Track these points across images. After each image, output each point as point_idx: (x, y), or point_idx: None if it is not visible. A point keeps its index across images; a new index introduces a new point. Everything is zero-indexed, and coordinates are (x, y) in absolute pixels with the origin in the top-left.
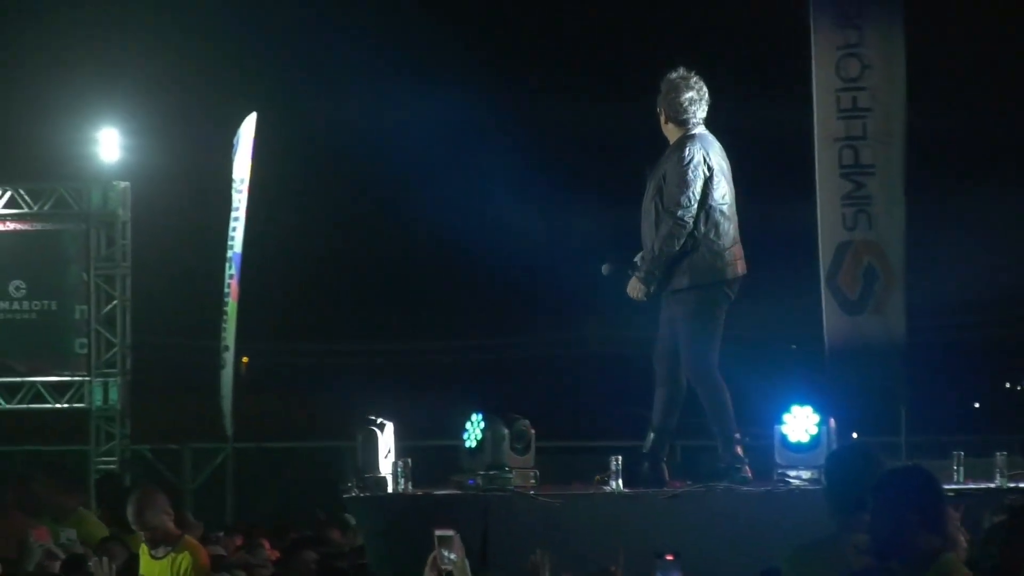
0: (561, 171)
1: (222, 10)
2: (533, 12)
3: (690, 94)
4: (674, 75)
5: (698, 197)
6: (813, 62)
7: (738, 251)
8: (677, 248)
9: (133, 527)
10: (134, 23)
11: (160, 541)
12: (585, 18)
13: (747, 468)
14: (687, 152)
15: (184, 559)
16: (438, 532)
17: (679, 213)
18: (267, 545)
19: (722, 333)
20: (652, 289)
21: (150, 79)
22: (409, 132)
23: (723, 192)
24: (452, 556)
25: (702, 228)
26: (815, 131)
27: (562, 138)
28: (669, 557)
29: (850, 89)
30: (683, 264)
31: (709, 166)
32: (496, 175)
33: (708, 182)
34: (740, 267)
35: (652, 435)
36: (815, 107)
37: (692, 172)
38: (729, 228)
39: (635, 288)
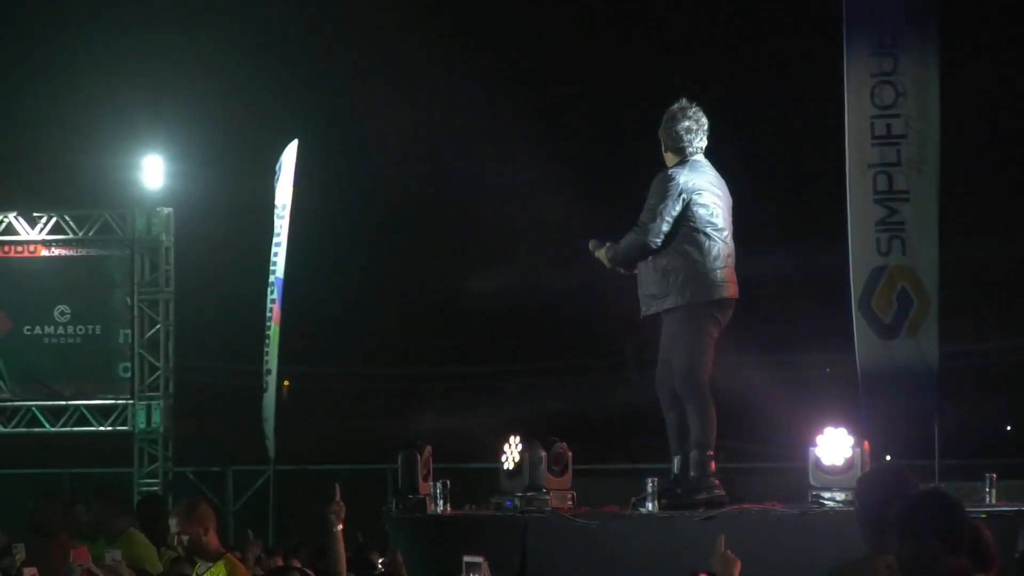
0: (600, 192)
1: (265, 41)
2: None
3: (687, 123)
4: (675, 106)
5: (669, 217)
6: (846, 89)
7: (729, 274)
8: (633, 256)
9: (172, 534)
10: (178, 53)
11: (199, 555)
12: (621, 39)
13: (720, 486)
14: (670, 173)
15: (219, 572)
16: (467, 559)
17: (643, 225)
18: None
19: (713, 353)
20: (610, 266)
21: (193, 107)
22: (448, 157)
23: (710, 214)
24: None
25: (685, 248)
26: (848, 157)
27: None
28: None
29: (884, 116)
30: (672, 283)
31: (691, 189)
32: (537, 196)
33: (689, 205)
34: (730, 290)
35: (677, 458)
36: (848, 134)
37: (669, 191)
38: (717, 250)
39: (601, 255)
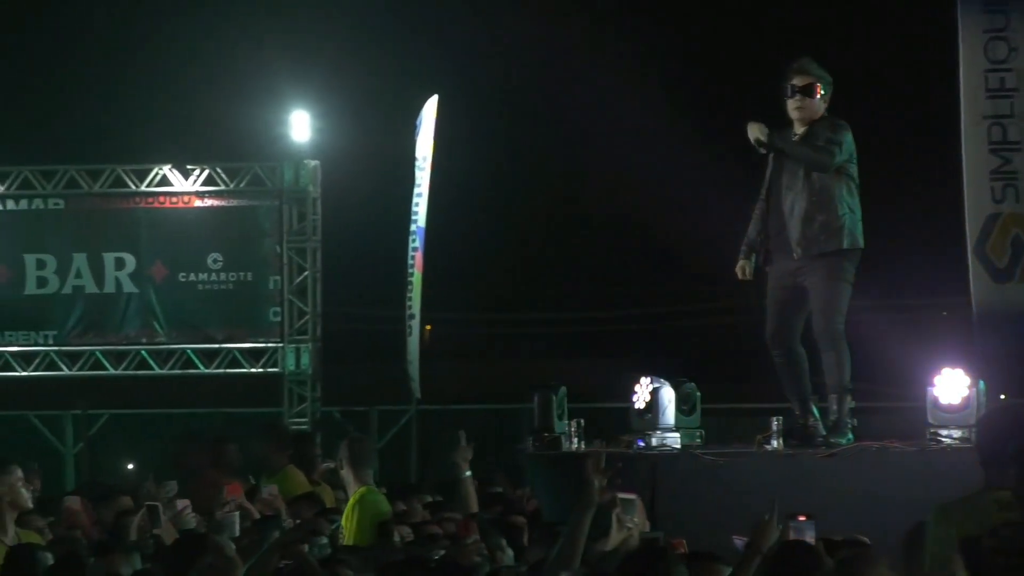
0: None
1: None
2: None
3: None
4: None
5: (840, 160)
6: (960, 44)
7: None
8: (803, 163)
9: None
10: (323, 12)
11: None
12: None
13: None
14: (846, 124)
15: (352, 499)
16: (621, 495)
17: (828, 149)
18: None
19: None
20: (764, 147)
21: (338, 65)
22: (584, 108)
23: (857, 170)
24: (635, 519)
25: (847, 198)
26: (962, 109)
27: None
28: (802, 518)
29: (998, 70)
30: (834, 229)
31: (853, 146)
32: (670, 146)
33: (851, 160)
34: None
35: (796, 402)
36: (962, 87)
37: (846, 139)
38: (860, 204)
39: (762, 132)
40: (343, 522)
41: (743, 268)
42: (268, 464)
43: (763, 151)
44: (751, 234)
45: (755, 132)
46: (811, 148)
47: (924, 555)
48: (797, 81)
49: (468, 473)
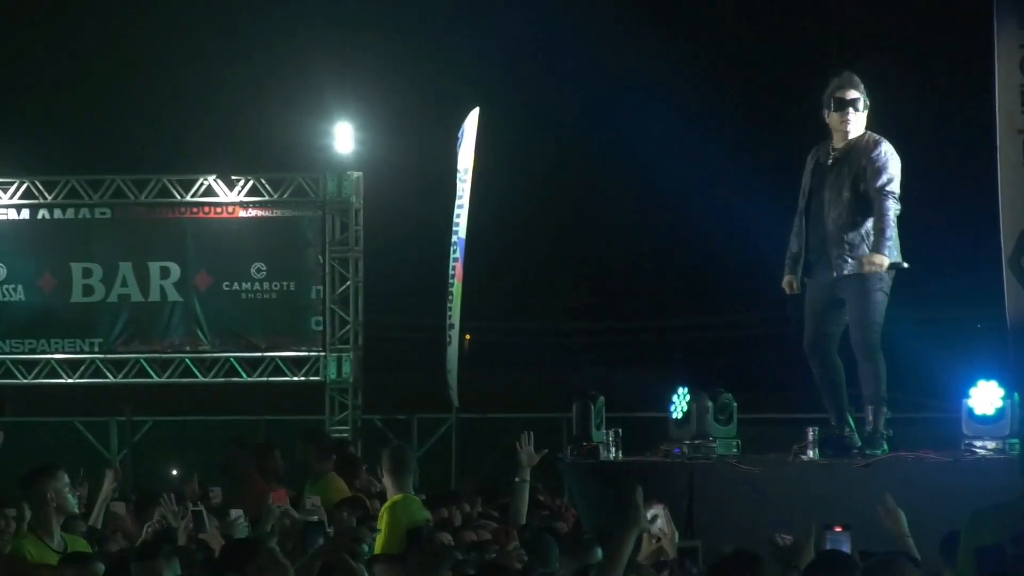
0: (770, 152)
1: (448, 14)
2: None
3: None
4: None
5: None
6: (996, 59)
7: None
8: (894, 223)
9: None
10: (367, 27)
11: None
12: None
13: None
14: (890, 145)
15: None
16: (650, 511)
17: (894, 193)
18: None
19: None
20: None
21: (381, 78)
22: (626, 120)
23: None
24: (663, 529)
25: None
26: (998, 123)
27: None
28: (838, 529)
29: None
30: (879, 244)
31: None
32: (707, 158)
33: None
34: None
35: (833, 412)
36: (998, 101)
37: (897, 161)
38: (898, 219)
39: (880, 261)
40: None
41: (790, 283)
42: (310, 471)
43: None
44: (793, 247)
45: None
46: (892, 217)
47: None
48: (843, 95)
49: (526, 479)
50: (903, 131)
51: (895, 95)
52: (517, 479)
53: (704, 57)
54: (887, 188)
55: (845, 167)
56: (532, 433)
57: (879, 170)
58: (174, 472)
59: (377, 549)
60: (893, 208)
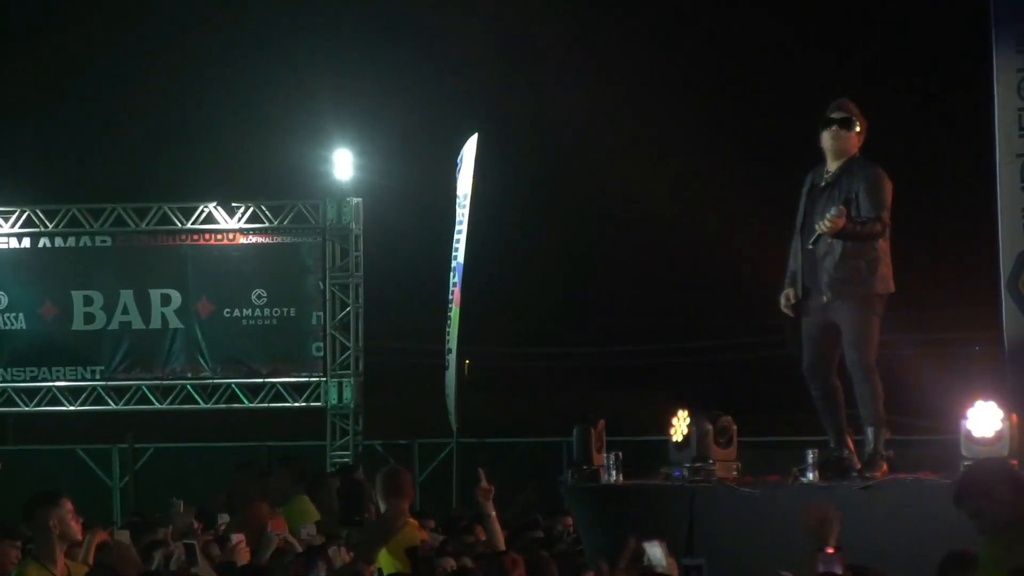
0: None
1: (446, 41)
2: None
3: None
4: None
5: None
6: (995, 83)
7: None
8: (862, 241)
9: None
10: (364, 54)
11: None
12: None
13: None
14: (884, 172)
15: None
16: (646, 543)
17: (880, 219)
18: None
19: None
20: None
21: (380, 104)
22: (624, 144)
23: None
24: (664, 562)
25: (880, 242)
26: (996, 147)
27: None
28: (830, 551)
29: None
30: (868, 272)
31: None
32: (705, 182)
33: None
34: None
35: (832, 434)
36: (996, 125)
37: (889, 188)
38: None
39: (837, 219)
40: None
41: (787, 296)
42: (282, 495)
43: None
44: (792, 266)
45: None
46: (868, 231)
47: None
48: (835, 115)
49: (492, 513)
50: (900, 154)
51: (893, 120)
52: (485, 513)
53: (702, 80)
54: (880, 216)
55: (836, 191)
56: (483, 469)
57: (875, 199)
58: (175, 500)
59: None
60: (877, 233)
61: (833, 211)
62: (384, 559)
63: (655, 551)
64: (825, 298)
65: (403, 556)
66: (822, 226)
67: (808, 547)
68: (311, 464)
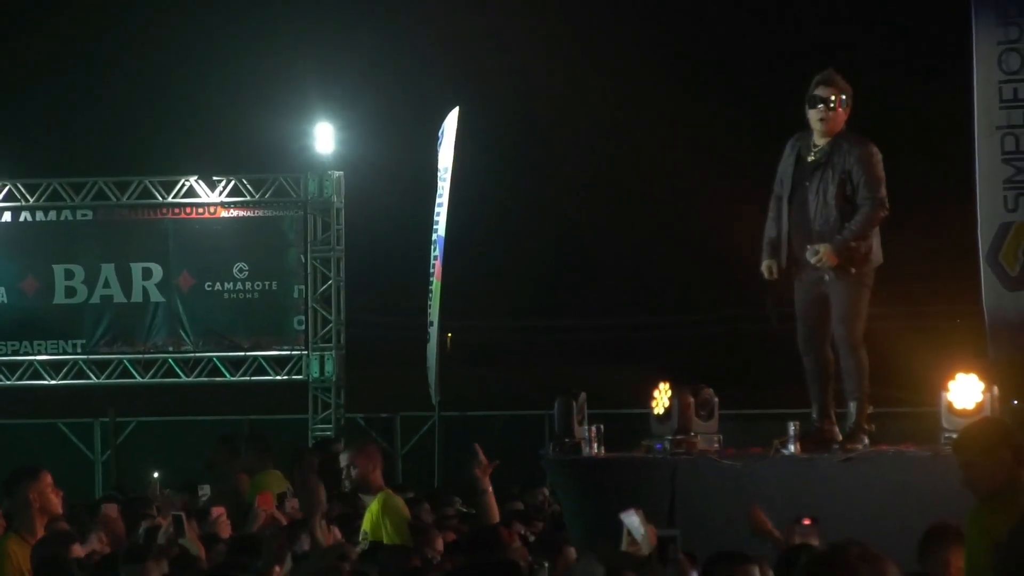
0: (748, 144)
1: (428, 14)
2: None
3: None
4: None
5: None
6: (975, 55)
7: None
8: (869, 231)
9: (343, 466)
10: (347, 28)
11: (363, 489)
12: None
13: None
14: (876, 149)
15: (375, 505)
16: (623, 515)
17: (876, 198)
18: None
19: None
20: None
21: (361, 77)
22: (608, 115)
23: None
24: (641, 530)
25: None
26: (976, 120)
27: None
28: (807, 522)
29: (1011, 81)
30: (860, 248)
31: None
32: (689, 153)
33: None
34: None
35: (816, 406)
36: (976, 98)
37: (880, 164)
38: None
39: (828, 255)
40: (364, 526)
41: (769, 267)
42: (251, 469)
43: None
44: (771, 232)
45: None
46: (864, 219)
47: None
48: (821, 92)
49: (489, 488)
50: (883, 126)
51: (873, 93)
52: (483, 489)
53: (689, 52)
54: (879, 196)
55: (830, 170)
56: (479, 446)
57: (869, 177)
58: (155, 475)
59: (387, 540)
60: (879, 216)
61: (820, 249)
62: (387, 533)
63: (632, 520)
64: (827, 276)
65: (404, 529)
66: (814, 261)
67: (785, 519)
68: (294, 438)
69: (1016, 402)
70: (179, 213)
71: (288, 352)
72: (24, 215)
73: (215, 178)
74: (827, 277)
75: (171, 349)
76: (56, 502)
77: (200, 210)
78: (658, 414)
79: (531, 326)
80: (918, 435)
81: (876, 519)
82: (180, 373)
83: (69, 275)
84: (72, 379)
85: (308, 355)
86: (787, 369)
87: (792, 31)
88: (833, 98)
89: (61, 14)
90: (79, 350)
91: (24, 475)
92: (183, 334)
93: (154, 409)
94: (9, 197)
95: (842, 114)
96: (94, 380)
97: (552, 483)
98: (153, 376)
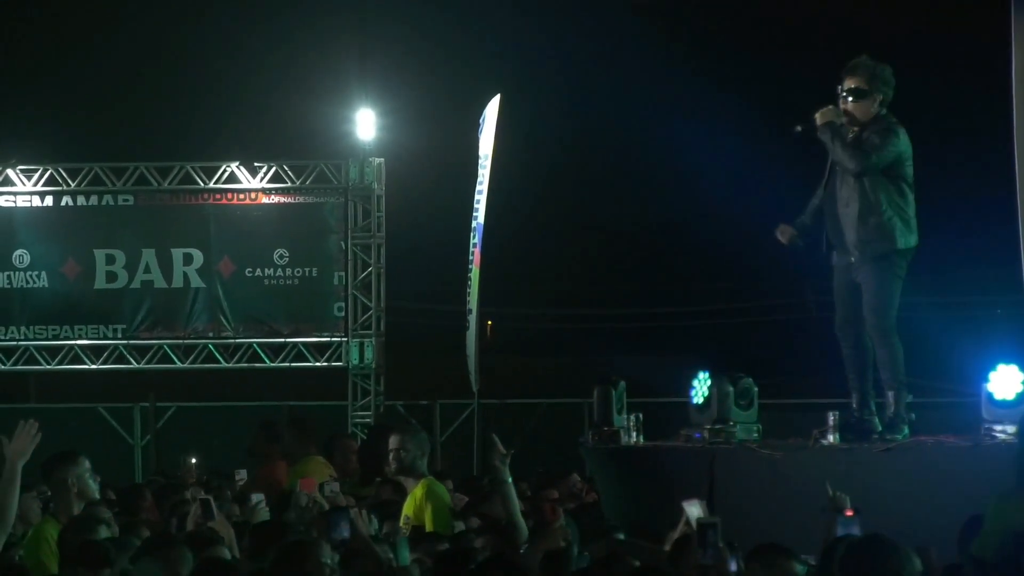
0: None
1: (471, 1)
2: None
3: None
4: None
5: (884, 163)
6: (1013, 44)
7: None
8: (841, 159)
9: (392, 449)
10: (389, 14)
11: (409, 473)
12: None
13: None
14: (898, 128)
15: (418, 490)
16: (685, 504)
17: (867, 152)
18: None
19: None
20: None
21: (403, 64)
22: (647, 105)
23: (912, 175)
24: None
25: (897, 200)
26: (1015, 112)
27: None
28: (849, 513)
29: None
30: (886, 232)
31: (908, 150)
32: (731, 142)
33: (904, 162)
34: (916, 238)
35: (856, 395)
36: (1015, 86)
37: (893, 143)
38: (914, 205)
39: (831, 114)
40: (407, 511)
41: (784, 231)
42: (294, 455)
43: (798, 129)
44: (805, 217)
45: (828, 116)
46: (847, 147)
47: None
48: (848, 83)
49: (508, 479)
50: (924, 115)
51: (912, 83)
52: (502, 479)
53: (723, 44)
54: (871, 156)
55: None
56: (495, 436)
57: (874, 141)
58: (192, 460)
59: (429, 526)
60: (858, 168)
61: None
62: (428, 519)
63: (693, 509)
64: (853, 259)
65: (446, 515)
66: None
67: (827, 509)
68: (332, 425)
69: None
70: (220, 199)
71: (328, 339)
72: (65, 199)
73: (256, 164)
74: (853, 260)
75: (211, 335)
76: (94, 487)
77: (241, 196)
78: (697, 403)
79: (570, 314)
80: (958, 426)
81: (915, 509)
82: (220, 359)
83: (110, 260)
84: (112, 364)
85: (348, 342)
86: (827, 359)
87: (829, 16)
88: (859, 89)
89: (105, 4)
90: (119, 335)
91: (62, 460)
92: (223, 320)
93: (194, 395)
94: (51, 181)
95: (869, 104)
96: (134, 365)
97: (591, 471)
98: (193, 362)
